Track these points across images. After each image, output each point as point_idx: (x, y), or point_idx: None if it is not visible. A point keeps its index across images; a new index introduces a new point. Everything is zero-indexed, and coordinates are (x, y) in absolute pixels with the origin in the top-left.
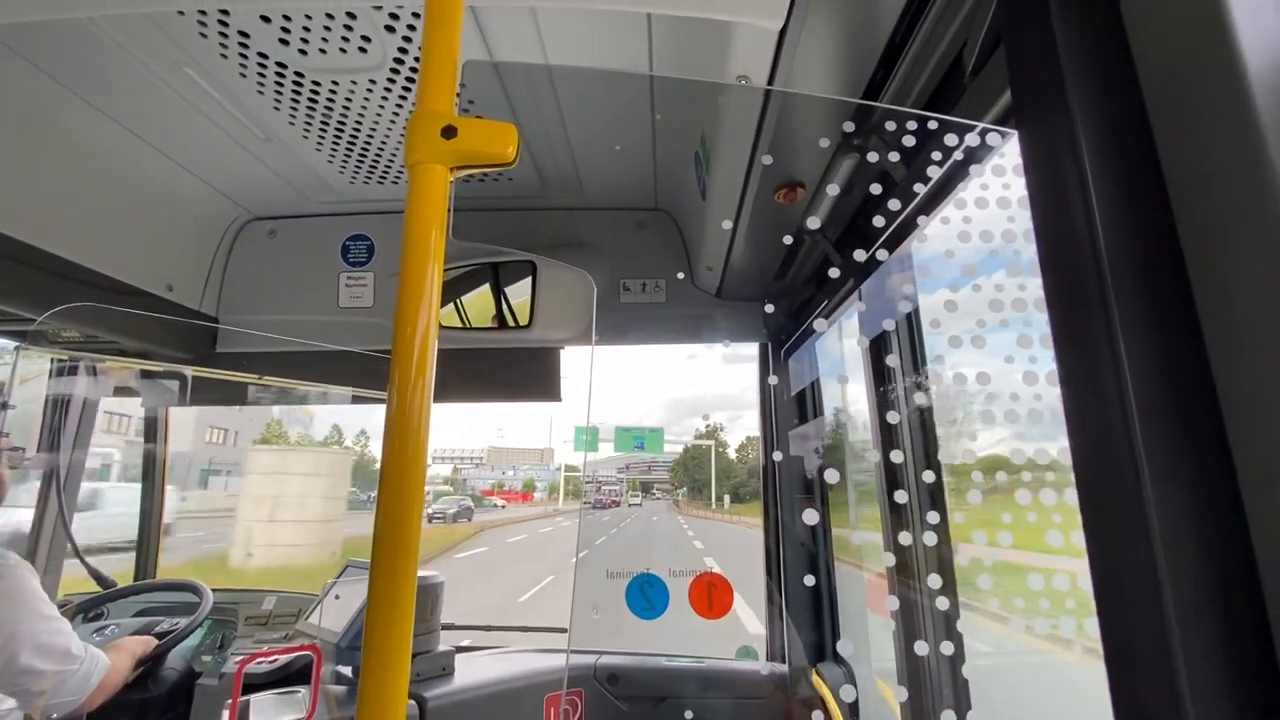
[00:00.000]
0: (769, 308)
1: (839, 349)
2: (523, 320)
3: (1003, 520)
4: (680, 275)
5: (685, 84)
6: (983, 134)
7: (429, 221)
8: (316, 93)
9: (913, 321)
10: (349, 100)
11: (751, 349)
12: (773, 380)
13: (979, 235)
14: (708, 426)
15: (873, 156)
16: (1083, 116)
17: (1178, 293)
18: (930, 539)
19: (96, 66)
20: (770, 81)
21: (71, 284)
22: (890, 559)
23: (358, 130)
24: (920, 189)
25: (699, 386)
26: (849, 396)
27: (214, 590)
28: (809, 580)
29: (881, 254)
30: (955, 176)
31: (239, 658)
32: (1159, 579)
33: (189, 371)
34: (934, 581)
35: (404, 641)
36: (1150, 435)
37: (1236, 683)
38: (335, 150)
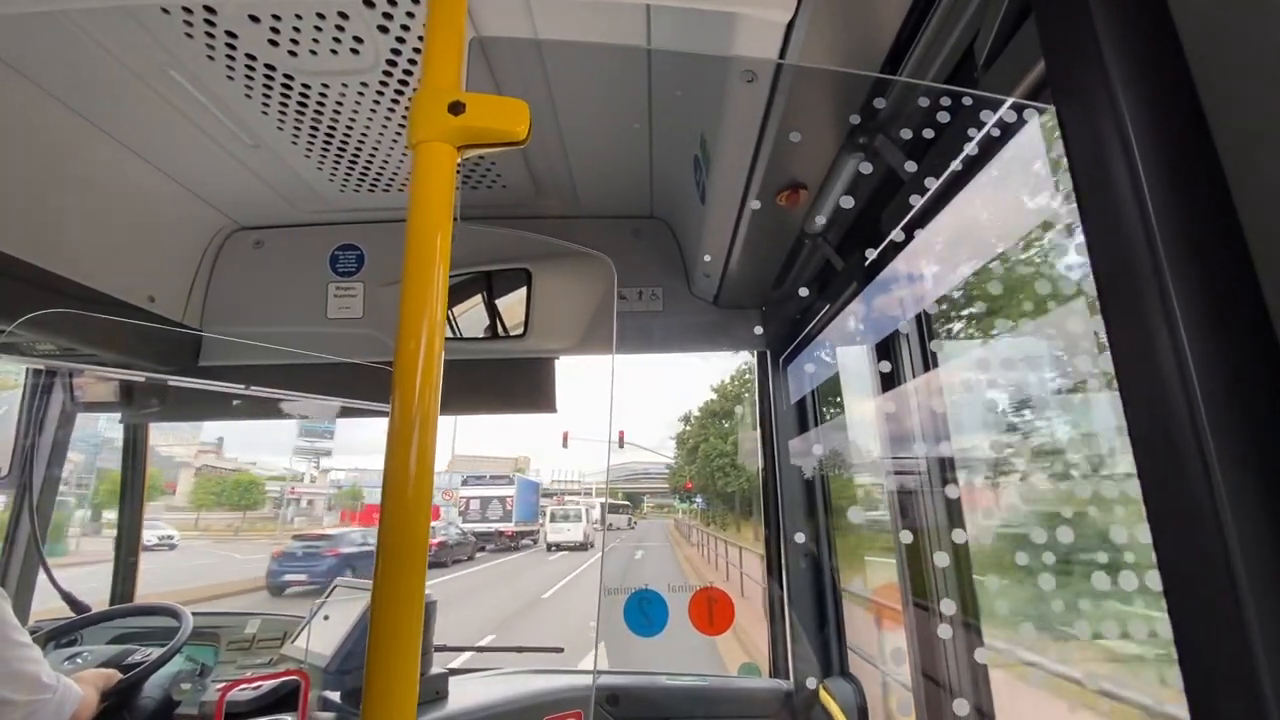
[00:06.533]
0: (766, 313)
1: (837, 357)
2: (516, 330)
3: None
4: (677, 283)
5: (685, 82)
6: (1018, 109)
7: (436, 205)
8: (306, 96)
9: (921, 322)
10: (340, 104)
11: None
12: (772, 387)
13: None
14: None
15: (894, 135)
16: (1124, 87)
17: (1241, 273)
18: (945, 557)
19: (77, 68)
20: (776, 76)
21: (47, 294)
22: (902, 569)
23: (348, 136)
24: (933, 181)
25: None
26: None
27: (195, 613)
28: (814, 594)
29: (888, 253)
30: (975, 163)
31: (220, 685)
32: (1234, 575)
33: (170, 383)
34: (948, 595)
35: (410, 667)
36: (1218, 423)
37: None
38: (325, 157)
